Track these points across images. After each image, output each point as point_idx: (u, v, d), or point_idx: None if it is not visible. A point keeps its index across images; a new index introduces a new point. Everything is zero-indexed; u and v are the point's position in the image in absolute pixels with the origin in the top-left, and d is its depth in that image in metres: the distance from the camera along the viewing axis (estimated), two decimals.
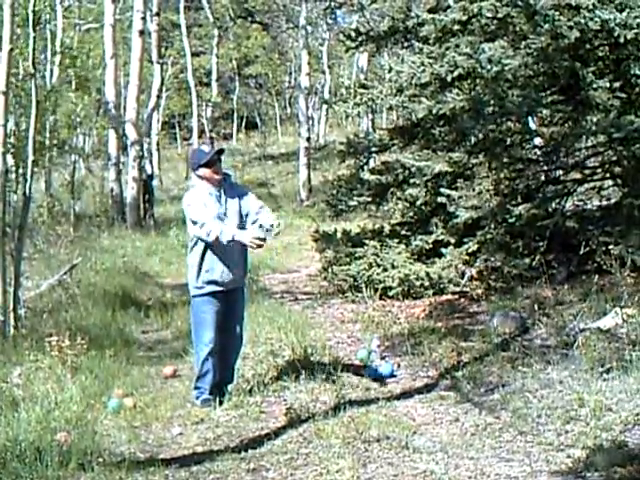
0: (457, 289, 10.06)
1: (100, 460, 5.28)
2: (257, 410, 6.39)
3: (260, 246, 6.28)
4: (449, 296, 10.06)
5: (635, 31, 8.55)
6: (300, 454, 5.43)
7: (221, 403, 6.51)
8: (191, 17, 39.07)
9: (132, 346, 8.78)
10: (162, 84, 25.40)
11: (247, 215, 6.54)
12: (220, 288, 6.51)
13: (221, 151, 6.67)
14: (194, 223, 6.41)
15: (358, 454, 5.31)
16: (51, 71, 22.19)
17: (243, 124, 49.30)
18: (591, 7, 8.69)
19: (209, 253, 6.46)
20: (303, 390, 6.73)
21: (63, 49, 22.10)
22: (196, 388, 6.69)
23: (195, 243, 6.54)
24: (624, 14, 8.54)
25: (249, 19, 42.08)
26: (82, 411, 6.28)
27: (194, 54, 37.14)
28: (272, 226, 6.26)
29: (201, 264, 6.49)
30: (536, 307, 8.42)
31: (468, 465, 5.03)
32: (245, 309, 7.08)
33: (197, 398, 6.64)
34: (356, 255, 10.77)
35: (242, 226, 6.49)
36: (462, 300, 9.89)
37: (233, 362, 6.84)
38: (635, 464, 4.70)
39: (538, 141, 10.75)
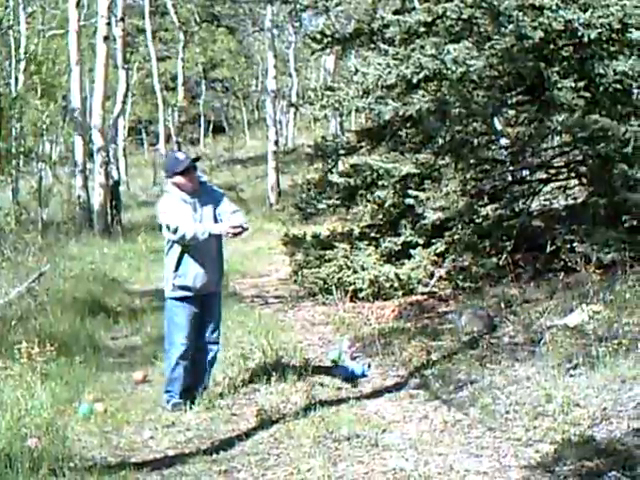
0: (426, 289, 10.12)
1: (71, 465, 5.26)
2: (228, 412, 6.41)
3: (239, 233, 6.32)
4: (418, 297, 10.11)
5: (598, 30, 8.65)
6: (271, 454, 5.46)
7: (192, 406, 6.52)
8: (156, 22, 38.90)
9: (102, 352, 8.74)
10: (128, 89, 25.33)
11: (221, 220, 6.53)
12: (192, 293, 6.52)
13: (196, 159, 6.68)
14: (169, 229, 6.42)
15: (329, 453, 5.34)
16: (16, 78, 22.08)
17: (210, 128, 49.20)
18: (555, 7, 8.78)
19: (185, 257, 6.46)
20: (274, 392, 6.74)
21: (28, 56, 21.99)
22: (167, 392, 6.68)
23: (171, 246, 6.54)
24: (587, 14, 8.63)
25: (215, 23, 42.00)
26: (52, 417, 6.23)
27: (160, 59, 37.00)
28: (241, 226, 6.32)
29: (176, 269, 6.49)
30: (503, 305, 8.50)
31: (438, 461, 5.08)
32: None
33: (168, 402, 6.63)
34: (326, 258, 10.80)
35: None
36: (431, 300, 9.95)
37: (209, 366, 6.84)
38: (602, 458, 4.75)
39: (504, 141, 10.83)
